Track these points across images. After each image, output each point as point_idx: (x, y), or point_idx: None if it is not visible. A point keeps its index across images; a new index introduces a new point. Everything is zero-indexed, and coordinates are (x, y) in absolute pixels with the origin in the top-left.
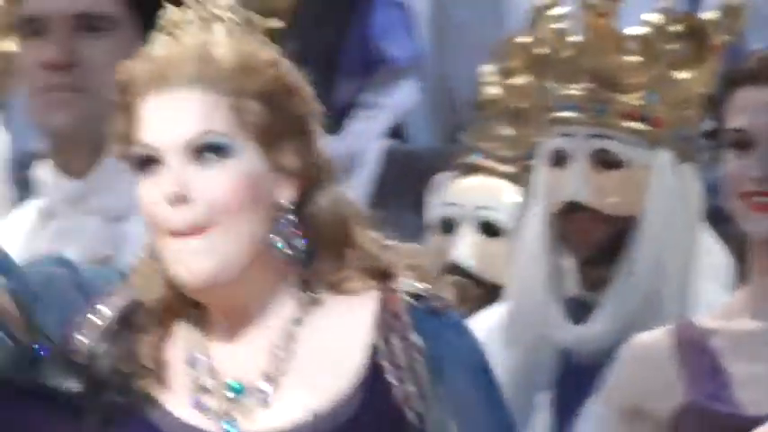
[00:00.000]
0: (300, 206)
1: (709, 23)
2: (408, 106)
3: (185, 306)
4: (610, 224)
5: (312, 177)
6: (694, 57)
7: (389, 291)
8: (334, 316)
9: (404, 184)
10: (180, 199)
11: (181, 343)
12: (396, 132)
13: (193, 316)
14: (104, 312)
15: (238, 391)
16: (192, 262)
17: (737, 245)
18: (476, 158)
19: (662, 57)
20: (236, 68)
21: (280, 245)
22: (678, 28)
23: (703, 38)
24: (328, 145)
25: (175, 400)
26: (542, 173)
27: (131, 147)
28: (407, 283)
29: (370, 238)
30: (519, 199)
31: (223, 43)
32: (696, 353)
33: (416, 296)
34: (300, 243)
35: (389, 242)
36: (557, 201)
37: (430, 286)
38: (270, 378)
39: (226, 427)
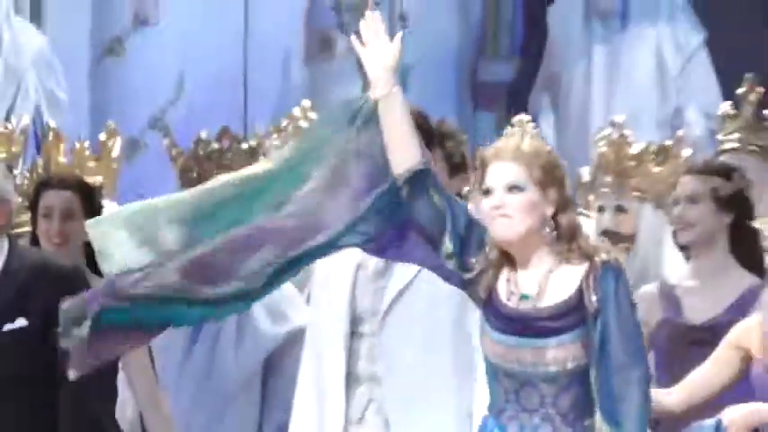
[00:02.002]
0: (554, 216)
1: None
2: None
3: (508, 255)
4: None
5: (561, 205)
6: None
7: (592, 261)
8: (567, 270)
9: None
10: (500, 208)
11: (505, 271)
12: None
13: (510, 260)
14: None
15: (526, 297)
16: (502, 231)
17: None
18: None
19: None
20: (531, 153)
21: (546, 230)
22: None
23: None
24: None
25: (500, 296)
26: None
27: (482, 186)
28: (602, 256)
29: (584, 237)
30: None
31: (526, 142)
32: (667, 295)
33: (604, 261)
34: (552, 234)
35: (592, 240)
36: None
37: (609, 257)
38: (539, 292)
39: (523, 300)
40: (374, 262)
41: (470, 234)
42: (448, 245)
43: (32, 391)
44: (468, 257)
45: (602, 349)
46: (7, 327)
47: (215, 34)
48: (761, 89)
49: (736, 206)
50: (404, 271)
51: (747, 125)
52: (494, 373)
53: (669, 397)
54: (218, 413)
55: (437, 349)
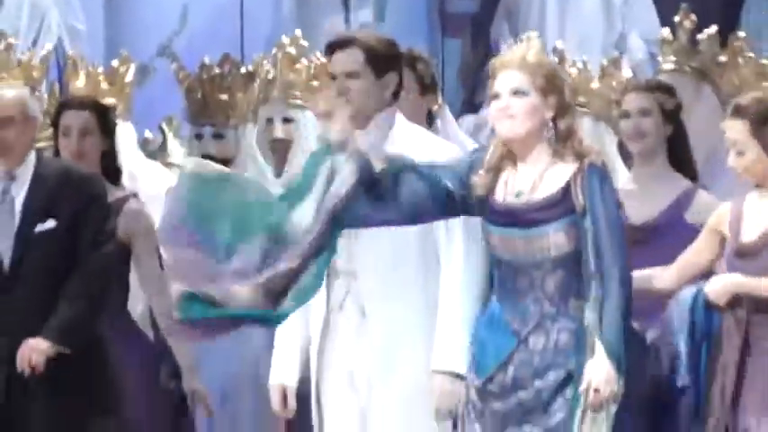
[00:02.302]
0: (554, 119)
1: None
2: None
3: (508, 156)
4: None
5: (560, 110)
6: None
7: (582, 160)
8: (559, 168)
9: None
10: (505, 110)
11: (504, 173)
12: None
13: (511, 161)
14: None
15: (520, 194)
16: (506, 130)
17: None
18: None
19: None
20: (535, 63)
21: (545, 132)
22: None
23: None
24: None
25: (497, 195)
26: None
27: (491, 91)
28: (590, 158)
29: (578, 139)
30: None
31: (531, 53)
32: None
33: (591, 163)
34: (552, 133)
35: (585, 142)
36: None
37: (596, 159)
38: (532, 188)
39: (517, 196)
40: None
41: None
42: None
43: (59, 282)
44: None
45: (594, 245)
46: (39, 227)
47: None
48: (694, 17)
49: (676, 119)
50: None
51: (682, 49)
52: (496, 263)
53: (663, 277)
54: None
55: (405, 250)
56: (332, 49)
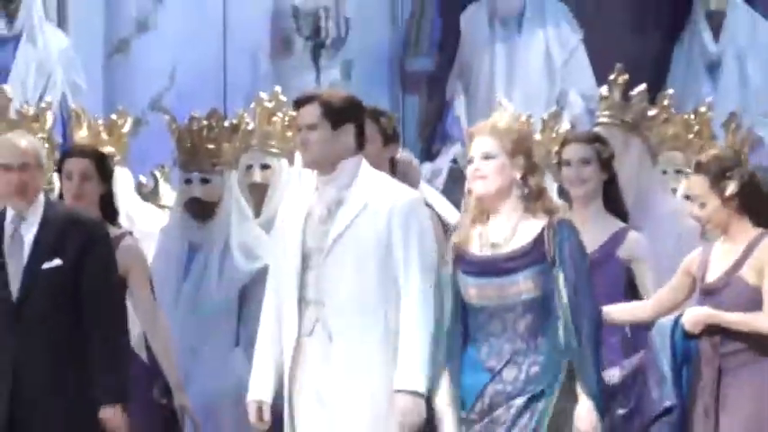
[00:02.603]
0: (524, 179)
1: None
2: None
3: (484, 210)
4: None
5: (528, 170)
6: None
7: (552, 216)
8: (530, 223)
9: None
10: (477, 172)
11: (478, 227)
12: None
13: (486, 214)
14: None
15: (495, 246)
16: (478, 189)
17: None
18: None
19: None
20: (504, 128)
21: (515, 189)
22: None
23: None
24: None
25: (472, 248)
26: None
27: (468, 156)
28: (559, 214)
29: (548, 197)
30: None
31: (502, 121)
32: None
33: (561, 219)
34: (524, 191)
35: (554, 200)
36: None
37: (564, 215)
38: (505, 240)
39: (493, 246)
40: (319, 210)
41: None
42: None
43: (61, 314)
44: None
45: (565, 293)
46: (46, 264)
47: (199, 36)
48: (626, 76)
49: (610, 167)
50: (343, 218)
51: (616, 104)
52: (471, 311)
53: (644, 308)
54: (203, 329)
55: (367, 280)
56: (297, 104)
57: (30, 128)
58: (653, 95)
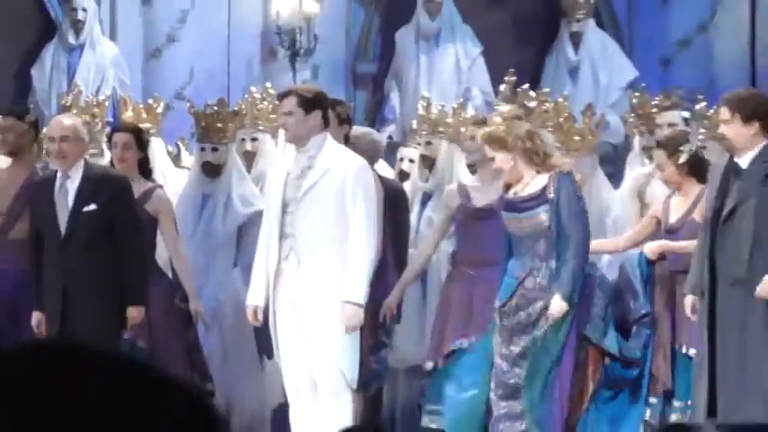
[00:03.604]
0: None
1: None
2: None
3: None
4: None
5: (531, 148)
6: None
7: (554, 170)
8: (541, 177)
9: None
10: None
11: (512, 185)
12: None
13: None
14: None
15: (516, 193)
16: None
17: None
18: None
19: None
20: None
21: (532, 158)
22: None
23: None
24: None
25: (508, 195)
26: None
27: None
28: (560, 168)
29: (551, 158)
30: None
31: (501, 129)
32: (462, 190)
33: (560, 171)
34: (533, 158)
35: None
36: None
37: (564, 168)
38: (523, 189)
39: (515, 193)
40: (294, 172)
41: None
42: None
43: (99, 248)
44: None
45: (558, 225)
46: (85, 208)
47: (211, 47)
48: (514, 77)
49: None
50: (311, 177)
51: (506, 97)
52: (508, 235)
53: (617, 243)
54: (211, 255)
55: (327, 221)
56: (279, 97)
57: (92, 112)
58: (533, 92)
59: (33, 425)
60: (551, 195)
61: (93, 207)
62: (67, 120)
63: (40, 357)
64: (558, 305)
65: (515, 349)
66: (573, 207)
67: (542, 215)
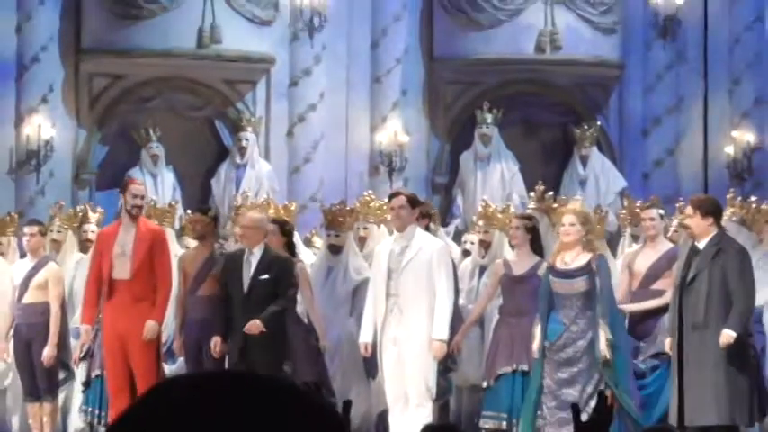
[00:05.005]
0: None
1: None
2: None
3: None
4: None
5: (587, 230)
6: None
7: (595, 251)
8: (585, 254)
9: None
10: (564, 234)
11: (561, 255)
12: None
13: (566, 247)
14: None
15: (566, 263)
16: (566, 240)
17: None
18: None
19: None
20: (577, 211)
21: (582, 239)
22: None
23: None
24: None
25: (557, 265)
26: None
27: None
28: (599, 251)
29: (594, 243)
30: None
31: (578, 206)
32: (505, 263)
33: (599, 254)
34: (583, 240)
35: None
36: None
37: (601, 251)
38: (572, 261)
39: (565, 263)
40: (397, 249)
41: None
42: None
43: (269, 306)
44: None
45: (600, 294)
46: (261, 277)
47: (334, 165)
48: (542, 187)
49: (536, 231)
50: (409, 254)
51: (535, 201)
52: (555, 295)
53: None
54: (334, 308)
55: (420, 284)
56: (390, 196)
57: (258, 211)
58: (555, 197)
59: None
60: (594, 270)
61: (266, 276)
62: (250, 213)
63: (225, 382)
64: (605, 347)
65: (563, 375)
66: (607, 285)
67: (582, 281)
